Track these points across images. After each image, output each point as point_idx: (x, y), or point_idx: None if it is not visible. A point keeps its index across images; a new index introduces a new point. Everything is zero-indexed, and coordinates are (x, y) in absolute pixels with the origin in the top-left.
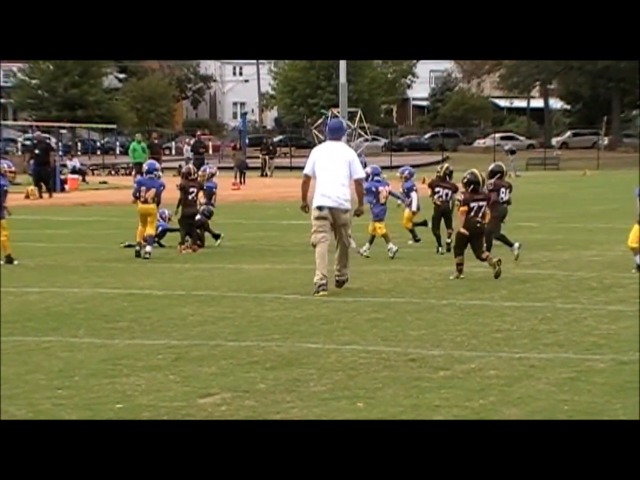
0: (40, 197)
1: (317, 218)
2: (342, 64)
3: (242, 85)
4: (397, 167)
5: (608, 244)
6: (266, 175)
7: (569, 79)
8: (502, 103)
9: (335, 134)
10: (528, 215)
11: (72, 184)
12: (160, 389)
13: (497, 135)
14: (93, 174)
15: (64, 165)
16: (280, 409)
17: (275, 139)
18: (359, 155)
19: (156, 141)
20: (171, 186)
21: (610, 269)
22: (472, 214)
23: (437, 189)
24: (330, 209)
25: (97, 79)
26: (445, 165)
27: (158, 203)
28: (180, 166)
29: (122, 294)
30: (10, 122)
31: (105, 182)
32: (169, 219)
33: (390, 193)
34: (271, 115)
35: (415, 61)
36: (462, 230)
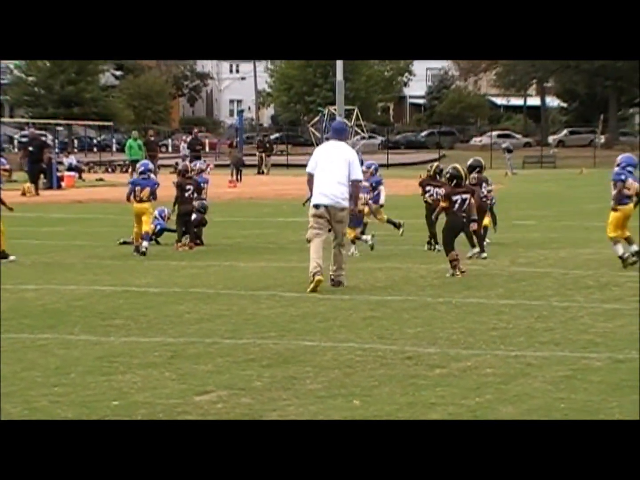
0: (37, 194)
1: (314, 216)
2: (339, 62)
3: (239, 83)
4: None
5: (604, 242)
6: (263, 172)
7: (566, 77)
8: (499, 101)
9: (339, 134)
10: (524, 214)
11: (68, 181)
12: (156, 386)
13: (494, 133)
14: (89, 171)
15: (61, 163)
16: (277, 406)
17: (272, 137)
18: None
19: (152, 139)
20: (167, 184)
21: (607, 267)
22: (456, 207)
23: (427, 188)
24: (327, 207)
25: (94, 76)
26: (436, 164)
27: (154, 199)
28: (176, 163)
29: (118, 291)
30: (6, 120)
31: (101, 180)
32: (168, 218)
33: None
34: (268, 112)
35: None
36: (444, 231)
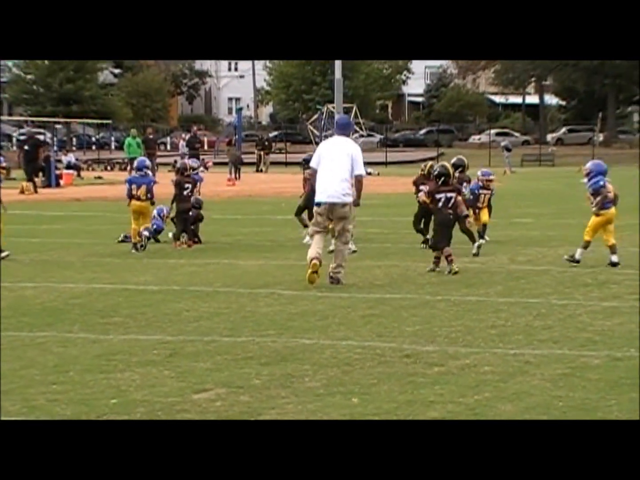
0: (35, 192)
1: (316, 213)
2: (338, 60)
3: (238, 81)
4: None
5: (601, 240)
6: (261, 170)
7: (564, 75)
8: (498, 99)
9: (343, 129)
10: (523, 212)
11: (67, 179)
12: (155, 384)
13: (493, 131)
14: (88, 169)
15: (59, 161)
16: (275, 404)
17: (271, 135)
18: None
19: (151, 136)
20: (166, 181)
21: (605, 265)
22: (441, 205)
23: (421, 187)
24: (328, 204)
25: (93, 74)
26: (430, 163)
27: (152, 198)
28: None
29: (117, 289)
30: (5, 118)
31: (100, 178)
32: (167, 217)
33: None
34: (266, 110)
35: None
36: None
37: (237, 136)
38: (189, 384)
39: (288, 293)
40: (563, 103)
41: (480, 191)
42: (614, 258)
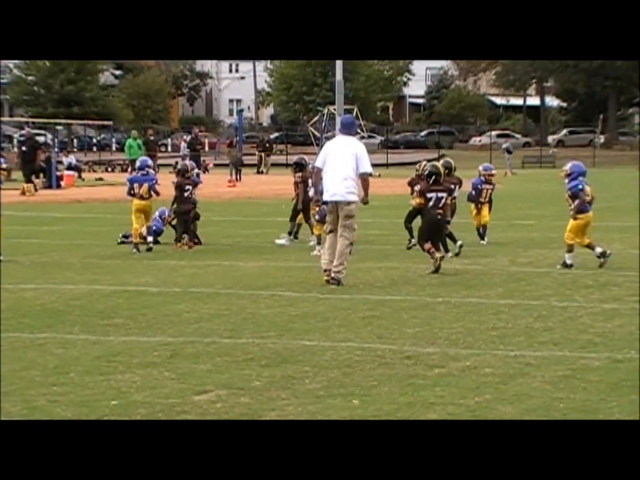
0: (35, 191)
1: (327, 212)
2: (339, 61)
3: (238, 82)
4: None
5: (603, 243)
6: (262, 172)
7: (565, 77)
8: (498, 101)
9: (347, 128)
10: (524, 213)
11: (67, 181)
12: (155, 385)
13: (494, 133)
14: (89, 170)
15: (60, 162)
16: (275, 406)
17: (272, 136)
18: None
19: (152, 138)
20: (167, 183)
21: (605, 267)
22: (431, 204)
23: (415, 188)
24: (334, 202)
25: (93, 75)
26: (424, 163)
27: (157, 194)
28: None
29: (117, 290)
30: (6, 119)
31: (101, 179)
32: (168, 217)
33: None
34: (267, 112)
35: None
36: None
37: (237, 138)
38: (189, 386)
39: (288, 295)
40: (564, 105)
41: (483, 186)
42: (599, 249)
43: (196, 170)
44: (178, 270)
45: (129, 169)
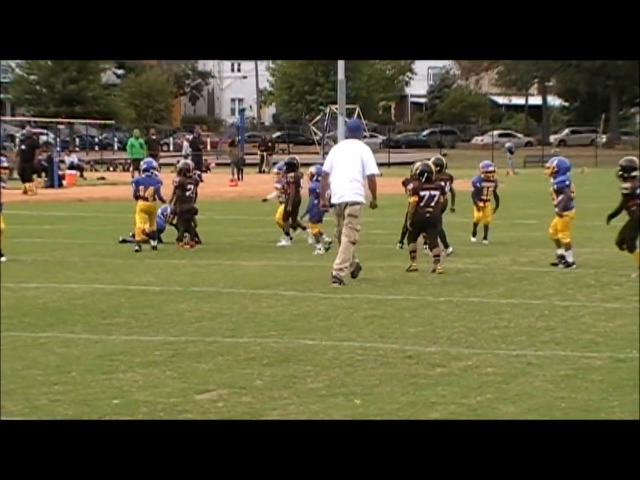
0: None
1: (335, 215)
2: (341, 61)
3: (240, 82)
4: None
5: (605, 242)
6: (264, 171)
7: (567, 76)
8: (500, 100)
9: (354, 132)
10: (526, 213)
11: (69, 180)
12: (157, 385)
13: (495, 132)
14: (91, 169)
15: (62, 161)
16: (277, 405)
17: (274, 136)
18: None
19: (154, 137)
20: (168, 182)
21: (607, 266)
22: (422, 203)
23: (409, 187)
24: (340, 204)
25: (95, 74)
26: (418, 163)
27: (161, 200)
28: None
29: (119, 289)
30: (8, 118)
31: (103, 178)
32: (169, 218)
33: None
34: (269, 111)
35: None
36: (409, 225)
37: (239, 137)
38: (191, 385)
39: (290, 294)
40: (566, 104)
41: (483, 184)
42: (560, 252)
43: (197, 172)
44: (180, 269)
45: (131, 168)
